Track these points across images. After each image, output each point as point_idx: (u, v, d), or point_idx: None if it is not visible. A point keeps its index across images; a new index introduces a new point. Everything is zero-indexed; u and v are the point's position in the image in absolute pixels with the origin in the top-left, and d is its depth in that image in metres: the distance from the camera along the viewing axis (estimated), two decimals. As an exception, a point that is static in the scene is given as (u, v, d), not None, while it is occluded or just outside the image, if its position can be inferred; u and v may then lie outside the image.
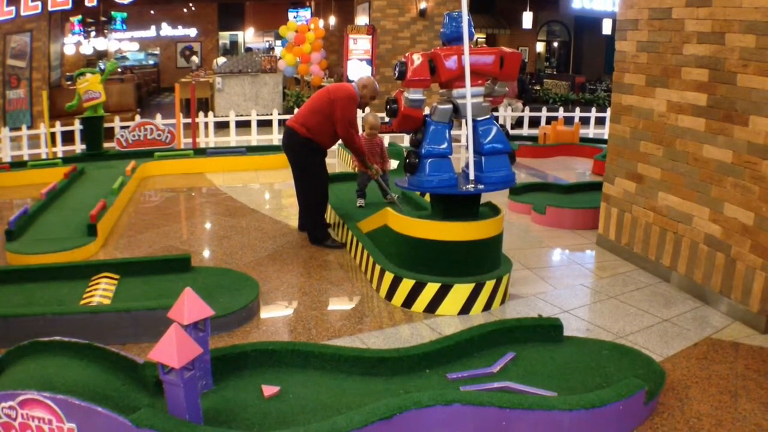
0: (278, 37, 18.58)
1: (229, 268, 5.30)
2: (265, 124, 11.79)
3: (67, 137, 10.95)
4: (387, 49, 13.97)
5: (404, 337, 4.22)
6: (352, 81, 6.25)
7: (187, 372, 2.79)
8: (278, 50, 18.70)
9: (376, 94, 6.02)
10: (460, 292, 4.51)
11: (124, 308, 4.08)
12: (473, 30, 4.56)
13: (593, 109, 13.07)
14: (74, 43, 20.21)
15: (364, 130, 6.41)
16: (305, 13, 21.07)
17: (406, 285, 4.60)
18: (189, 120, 10.69)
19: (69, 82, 14.17)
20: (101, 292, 4.55)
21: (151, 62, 25.39)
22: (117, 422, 2.70)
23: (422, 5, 13.81)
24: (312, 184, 6.02)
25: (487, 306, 4.62)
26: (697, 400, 3.44)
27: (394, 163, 7.86)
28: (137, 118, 10.93)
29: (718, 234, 4.66)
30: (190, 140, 10.68)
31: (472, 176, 4.58)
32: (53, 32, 13.10)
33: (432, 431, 2.93)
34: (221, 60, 16.81)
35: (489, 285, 4.57)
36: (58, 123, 10.76)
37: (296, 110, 11.43)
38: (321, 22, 14.62)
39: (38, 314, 4.00)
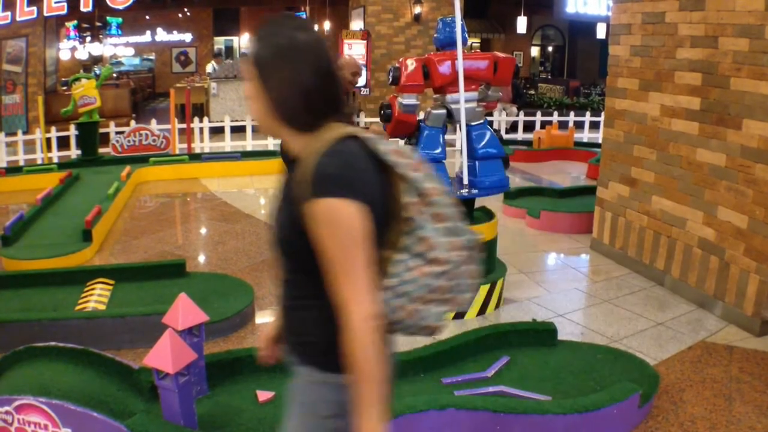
0: (273, 42, 18.56)
1: (224, 273, 5.30)
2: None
3: (63, 143, 10.94)
4: (382, 54, 13.99)
5: (399, 341, 4.21)
6: None
7: (182, 377, 2.80)
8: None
9: (358, 69, 5.42)
10: (455, 296, 4.51)
11: (119, 314, 4.08)
12: (467, 35, 4.58)
13: (587, 114, 13.10)
14: (70, 49, 20.21)
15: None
16: (300, 18, 21.08)
17: (401, 289, 4.60)
18: (184, 125, 10.69)
19: (64, 88, 14.15)
20: (96, 297, 4.55)
21: (146, 67, 25.38)
22: (112, 427, 2.71)
23: (417, 10, 13.84)
24: None
25: (482, 310, 4.63)
26: (691, 403, 3.45)
27: None
28: (132, 123, 10.91)
29: (711, 237, 4.68)
30: (185, 145, 10.68)
31: (466, 181, 4.59)
32: (49, 37, 13.10)
33: (427, 435, 2.93)
34: (209, 67, 16.84)
35: (483, 289, 4.58)
36: (53, 128, 10.75)
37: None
38: (316, 27, 14.63)
39: (34, 320, 4.00)
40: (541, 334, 3.91)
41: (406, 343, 4.17)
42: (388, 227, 1.57)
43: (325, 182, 1.46)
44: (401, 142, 4.68)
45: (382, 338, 1.51)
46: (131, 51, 24.71)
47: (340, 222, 1.45)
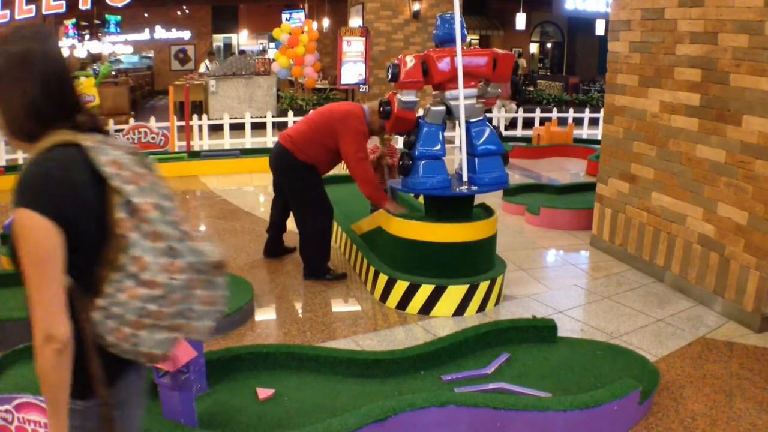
0: (272, 39, 18.57)
1: (223, 270, 5.27)
2: (259, 127, 11.78)
3: (61, 141, 10.90)
4: (380, 51, 13.98)
5: (399, 338, 4.22)
6: (364, 105, 5.11)
7: (182, 375, 2.79)
8: (272, 52, 18.67)
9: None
10: (455, 293, 4.52)
11: (119, 312, 4.07)
12: (466, 32, 4.57)
13: (587, 110, 13.10)
14: (68, 47, 20.18)
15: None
16: (299, 16, 21.04)
17: (401, 287, 4.61)
18: (183, 123, 10.68)
19: (63, 86, 14.11)
20: (95, 295, 4.54)
21: (145, 65, 25.36)
22: (111, 426, 2.70)
23: (415, 7, 13.83)
24: (314, 208, 5.11)
25: (482, 307, 4.63)
26: (691, 399, 3.45)
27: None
28: (131, 121, 10.89)
29: (711, 234, 4.67)
30: (184, 143, 10.66)
31: (465, 178, 4.59)
32: (47, 36, 13.07)
33: (427, 433, 2.93)
34: (203, 67, 16.84)
35: (483, 286, 4.58)
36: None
37: (290, 113, 11.44)
38: (314, 25, 14.59)
39: (32, 318, 3.99)
40: (541, 331, 3.91)
41: (405, 341, 4.17)
42: (104, 243, 1.49)
43: (21, 192, 1.45)
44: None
45: (65, 361, 1.44)
46: (130, 49, 24.68)
47: (29, 235, 1.42)
